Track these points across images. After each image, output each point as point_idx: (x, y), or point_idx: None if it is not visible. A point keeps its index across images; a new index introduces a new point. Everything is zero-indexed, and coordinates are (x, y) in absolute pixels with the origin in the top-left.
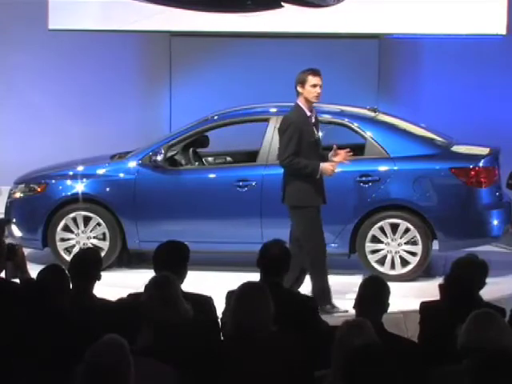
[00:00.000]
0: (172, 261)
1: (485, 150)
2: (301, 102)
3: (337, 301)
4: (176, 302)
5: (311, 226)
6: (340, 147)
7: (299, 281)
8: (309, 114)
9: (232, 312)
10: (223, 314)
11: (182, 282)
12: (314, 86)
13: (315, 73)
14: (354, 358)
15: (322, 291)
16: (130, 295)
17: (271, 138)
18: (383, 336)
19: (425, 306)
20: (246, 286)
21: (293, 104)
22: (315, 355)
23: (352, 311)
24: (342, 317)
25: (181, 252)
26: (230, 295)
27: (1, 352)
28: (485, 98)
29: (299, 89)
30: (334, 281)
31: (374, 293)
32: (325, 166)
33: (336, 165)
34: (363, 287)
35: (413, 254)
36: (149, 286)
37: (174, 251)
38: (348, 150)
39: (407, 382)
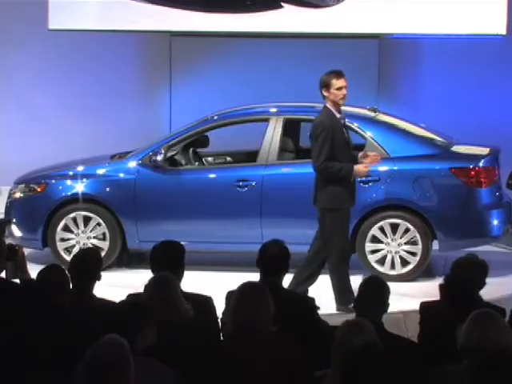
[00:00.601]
0: (170, 261)
1: (485, 150)
2: (329, 105)
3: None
4: (176, 301)
5: (340, 227)
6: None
7: (310, 280)
8: (338, 116)
9: (232, 312)
10: (223, 314)
11: (180, 281)
12: (340, 88)
13: (339, 75)
14: (353, 357)
15: (343, 292)
16: (130, 295)
17: (271, 138)
18: (383, 336)
19: (425, 306)
20: (246, 286)
21: (290, 103)
22: (315, 355)
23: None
24: (342, 317)
25: (178, 251)
26: (230, 295)
27: (1, 352)
28: (485, 97)
29: (325, 92)
30: None
31: (373, 293)
32: (358, 168)
33: (369, 166)
34: (363, 287)
35: (413, 253)
36: (148, 286)
37: (171, 251)
38: (376, 153)
39: (407, 382)
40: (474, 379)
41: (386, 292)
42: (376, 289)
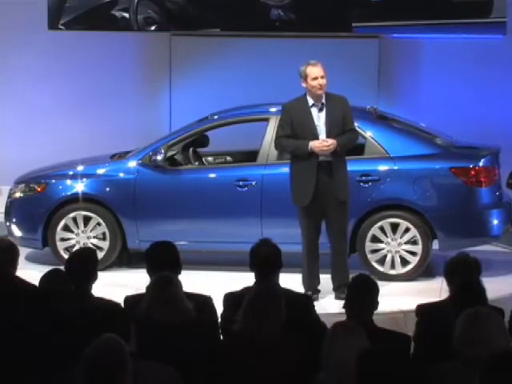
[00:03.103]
0: (170, 261)
1: (485, 150)
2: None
3: (336, 300)
4: (178, 301)
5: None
6: None
7: None
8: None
9: (245, 313)
10: (222, 315)
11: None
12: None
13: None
14: (366, 358)
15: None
16: (128, 297)
17: (271, 138)
18: (375, 333)
19: (421, 307)
20: (262, 289)
21: None
22: (315, 355)
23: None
24: (341, 316)
25: (175, 251)
26: (228, 297)
27: (1, 353)
28: (485, 97)
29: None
30: None
31: (360, 292)
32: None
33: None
34: (350, 287)
35: (413, 253)
36: (151, 287)
37: (169, 251)
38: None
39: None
40: (481, 378)
41: (373, 290)
42: (362, 288)
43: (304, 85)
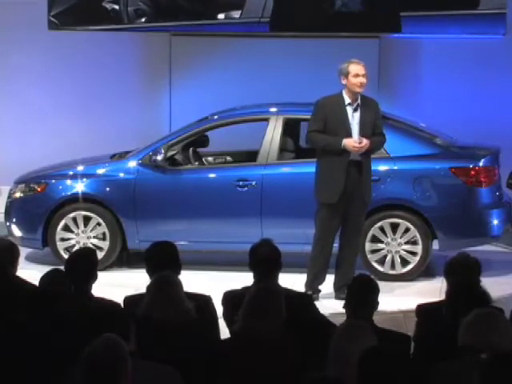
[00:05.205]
0: (169, 260)
1: (485, 150)
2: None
3: (336, 300)
4: (177, 301)
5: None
6: None
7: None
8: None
9: (244, 312)
10: (223, 315)
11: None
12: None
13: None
14: (367, 358)
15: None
16: (128, 297)
17: (271, 138)
18: (377, 333)
19: (421, 308)
20: (261, 289)
21: (290, 103)
22: (315, 355)
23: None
24: (342, 316)
25: (175, 251)
26: (227, 296)
27: (1, 352)
28: (485, 97)
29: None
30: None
31: (360, 292)
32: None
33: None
34: (350, 287)
35: (413, 253)
36: (151, 286)
37: (169, 251)
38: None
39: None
40: (482, 379)
41: (373, 290)
42: (362, 288)
43: (344, 82)
